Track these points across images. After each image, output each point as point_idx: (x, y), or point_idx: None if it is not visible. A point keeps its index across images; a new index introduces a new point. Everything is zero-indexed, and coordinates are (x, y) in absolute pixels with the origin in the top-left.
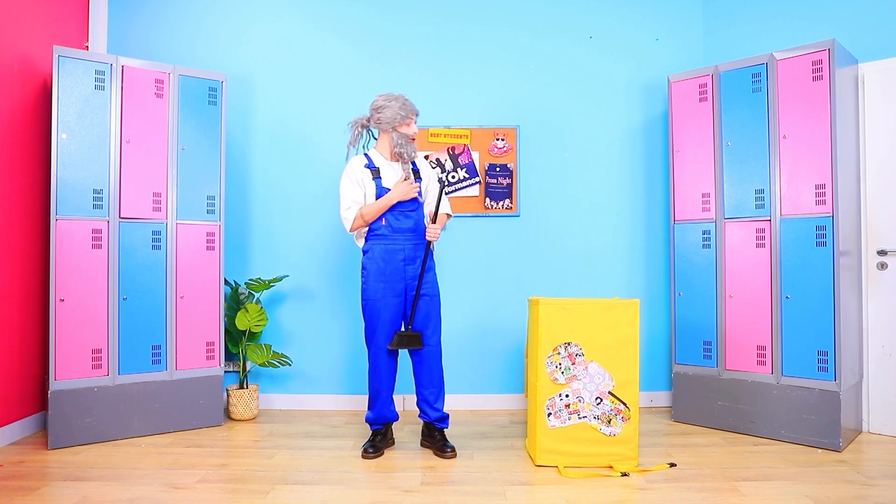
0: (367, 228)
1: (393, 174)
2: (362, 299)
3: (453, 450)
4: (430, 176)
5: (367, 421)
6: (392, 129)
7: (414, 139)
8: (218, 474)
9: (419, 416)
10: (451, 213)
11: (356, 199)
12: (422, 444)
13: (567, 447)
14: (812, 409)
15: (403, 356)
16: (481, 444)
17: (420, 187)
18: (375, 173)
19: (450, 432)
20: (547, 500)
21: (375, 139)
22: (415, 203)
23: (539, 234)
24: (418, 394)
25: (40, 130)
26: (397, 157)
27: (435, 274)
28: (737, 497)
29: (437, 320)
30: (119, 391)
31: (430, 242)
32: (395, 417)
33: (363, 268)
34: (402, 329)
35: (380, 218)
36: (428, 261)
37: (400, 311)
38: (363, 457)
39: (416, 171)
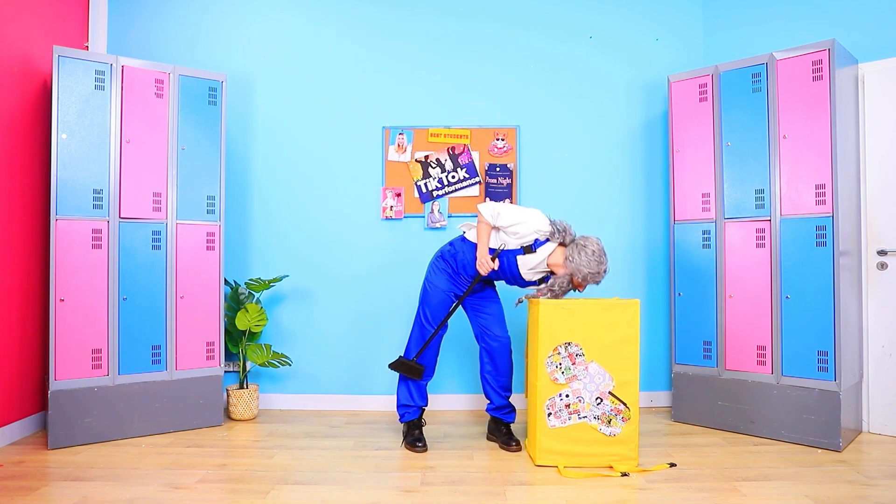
0: (474, 229)
1: (530, 261)
2: (428, 282)
3: (518, 443)
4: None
5: (400, 409)
6: (568, 261)
7: (570, 289)
8: (218, 474)
9: (486, 407)
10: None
11: (501, 221)
12: (488, 438)
13: (567, 447)
14: (812, 409)
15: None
16: (481, 444)
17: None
18: (528, 249)
19: (448, 432)
20: (547, 500)
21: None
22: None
23: None
24: (486, 384)
25: (40, 130)
26: (550, 270)
27: (495, 286)
28: (737, 497)
29: (502, 317)
30: (119, 391)
31: (478, 274)
32: (427, 402)
33: (442, 257)
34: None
35: (496, 249)
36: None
37: (448, 307)
38: (414, 451)
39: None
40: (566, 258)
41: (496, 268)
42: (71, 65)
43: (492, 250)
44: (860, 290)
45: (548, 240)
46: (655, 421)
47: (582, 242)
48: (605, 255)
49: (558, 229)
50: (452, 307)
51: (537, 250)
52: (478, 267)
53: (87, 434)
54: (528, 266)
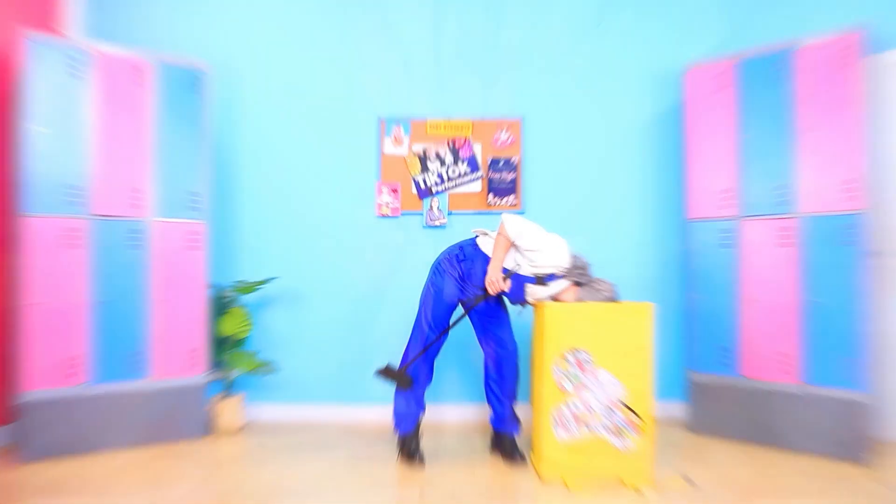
0: (489, 238)
1: (538, 292)
2: (432, 284)
3: (522, 456)
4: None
5: (396, 417)
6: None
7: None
8: (203, 490)
9: (489, 418)
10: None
11: (521, 242)
12: (491, 451)
13: (575, 460)
14: (840, 421)
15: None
16: (484, 457)
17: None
18: (540, 280)
19: (449, 444)
20: None
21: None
22: (521, 291)
23: None
24: (490, 394)
25: (9, 122)
26: (559, 298)
27: (504, 298)
28: None
29: (509, 323)
30: (96, 401)
31: (486, 289)
32: (425, 409)
33: (450, 260)
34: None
35: (509, 267)
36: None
37: (451, 311)
38: (412, 464)
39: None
40: (578, 300)
41: (506, 289)
42: (43, 51)
43: (505, 270)
44: (893, 292)
45: (563, 275)
46: (670, 432)
47: (596, 286)
48: (618, 301)
49: (577, 266)
50: (458, 318)
51: (549, 284)
52: (487, 285)
53: (63, 447)
54: (536, 296)
